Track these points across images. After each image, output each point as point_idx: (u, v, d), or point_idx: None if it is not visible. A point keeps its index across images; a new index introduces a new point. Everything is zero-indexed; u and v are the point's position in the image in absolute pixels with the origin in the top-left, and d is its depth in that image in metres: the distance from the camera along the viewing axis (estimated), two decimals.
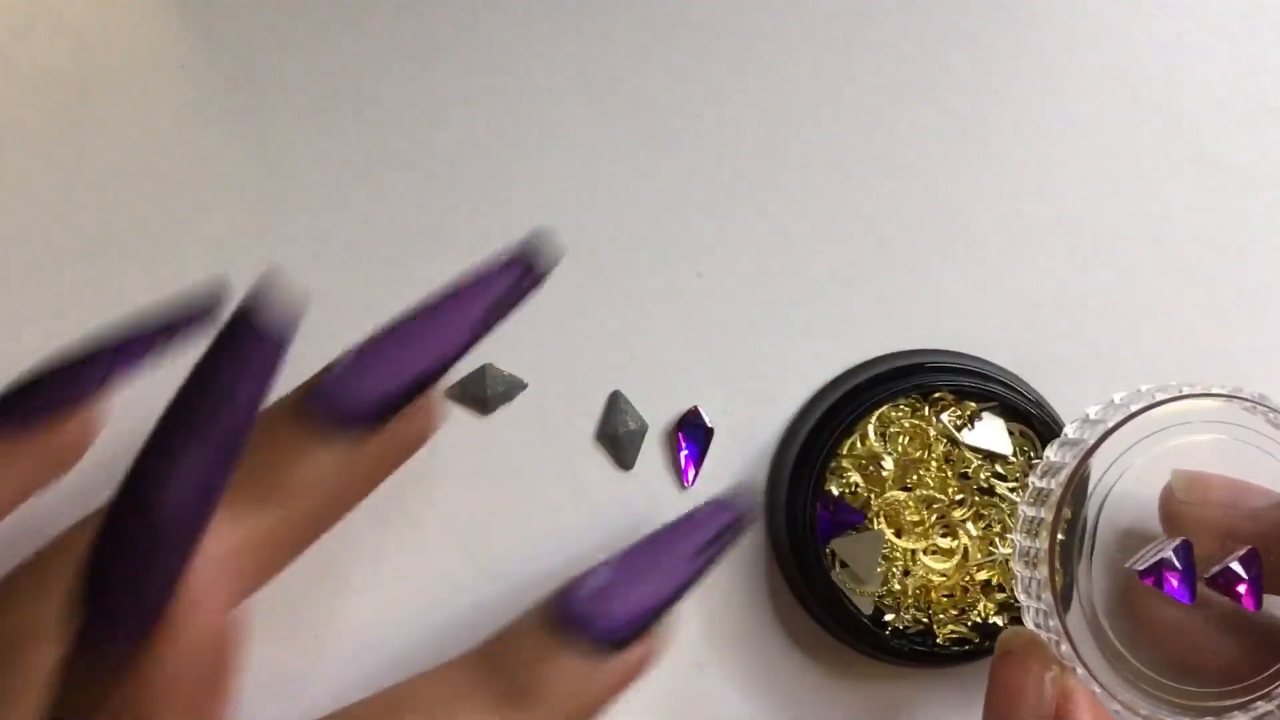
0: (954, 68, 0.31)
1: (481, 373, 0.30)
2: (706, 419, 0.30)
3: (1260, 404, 0.25)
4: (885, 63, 0.31)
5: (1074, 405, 0.28)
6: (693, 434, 0.30)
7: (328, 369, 0.24)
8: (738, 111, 0.31)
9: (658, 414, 0.30)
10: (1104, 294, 0.31)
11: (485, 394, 0.29)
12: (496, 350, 0.30)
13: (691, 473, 0.30)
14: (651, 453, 0.30)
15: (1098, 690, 0.25)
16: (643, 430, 0.30)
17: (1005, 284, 0.31)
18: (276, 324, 0.18)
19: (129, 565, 0.17)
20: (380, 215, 0.30)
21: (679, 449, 0.30)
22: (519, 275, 0.24)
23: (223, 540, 0.22)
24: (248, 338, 0.18)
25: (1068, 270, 0.31)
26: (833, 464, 0.29)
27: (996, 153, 0.31)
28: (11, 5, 0.30)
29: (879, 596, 0.29)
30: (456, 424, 0.30)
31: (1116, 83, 0.31)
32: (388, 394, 0.23)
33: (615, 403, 0.30)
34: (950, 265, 0.31)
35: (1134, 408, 0.25)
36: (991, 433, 0.30)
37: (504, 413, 0.30)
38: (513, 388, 0.30)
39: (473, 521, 0.29)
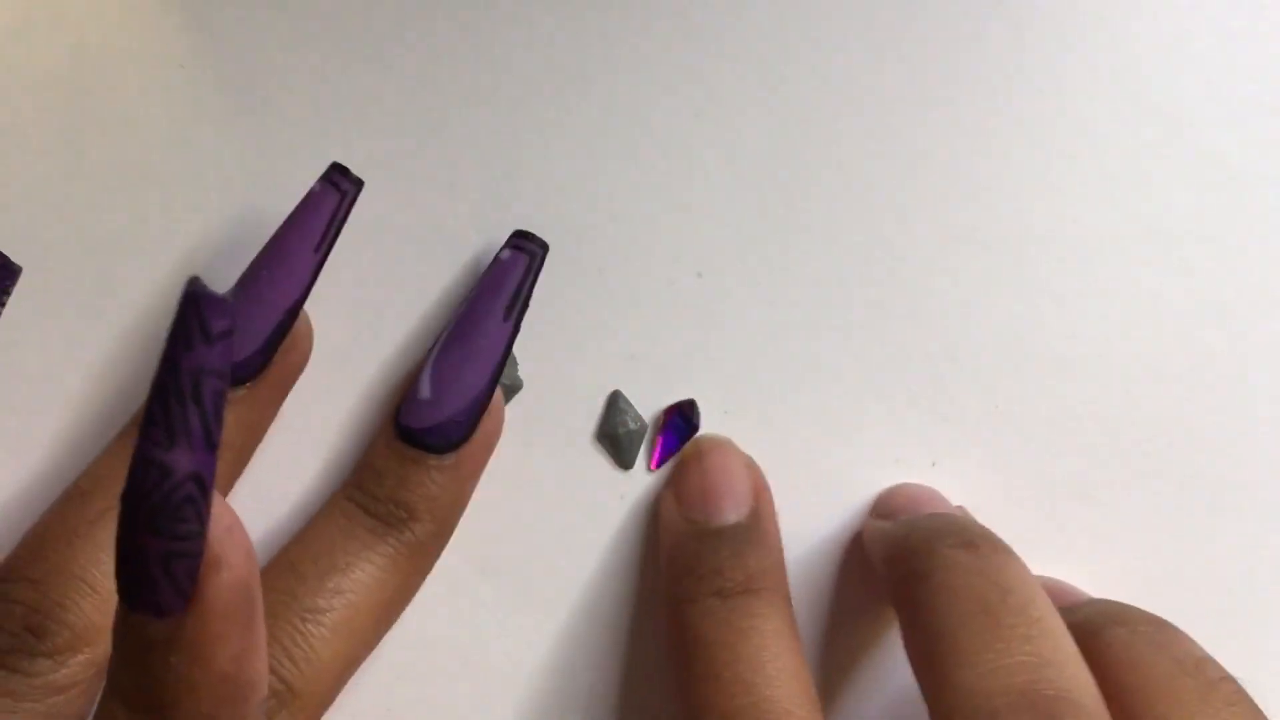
0: (954, 68, 0.31)
1: None
2: (695, 418, 0.30)
3: None
4: (885, 63, 0.31)
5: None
6: (677, 428, 0.30)
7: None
8: (738, 111, 0.31)
9: (658, 414, 0.30)
10: (1104, 293, 0.31)
11: None
12: None
13: (658, 458, 0.30)
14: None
15: None
16: (642, 430, 0.30)
17: (1006, 284, 0.31)
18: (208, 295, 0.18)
19: (154, 543, 0.18)
20: (380, 215, 0.30)
21: (658, 434, 0.29)
22: (338, 200, 0.27)
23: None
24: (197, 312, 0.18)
25: (1068, 271, 0.31)
26: None
27: (998, 153, 0.31)
28: (11, 5, 0.30)
29: None
30: None
31: (1116, 83, 0.31)
32: (261, 347, 0.27)
33: (615, 403, 0.30)
34: (951, 265, 0.31)
35: None
36: None
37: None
38: (512, 388, 0.30)
39: (472, 521, 0.29)
